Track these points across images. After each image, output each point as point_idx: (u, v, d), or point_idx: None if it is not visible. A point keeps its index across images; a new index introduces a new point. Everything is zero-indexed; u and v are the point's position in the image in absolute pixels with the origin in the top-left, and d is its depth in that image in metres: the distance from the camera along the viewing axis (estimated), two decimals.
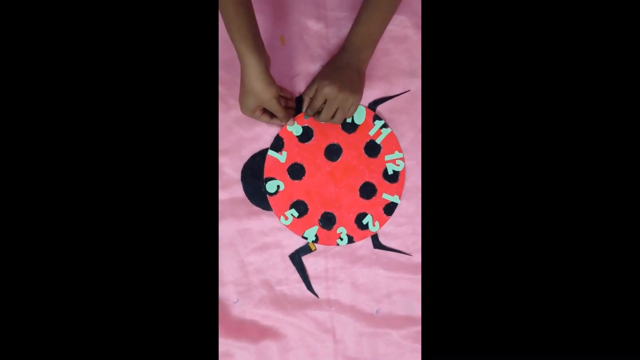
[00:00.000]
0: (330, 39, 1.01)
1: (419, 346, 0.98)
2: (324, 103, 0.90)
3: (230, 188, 0.99)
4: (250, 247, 1.00)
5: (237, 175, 1.00)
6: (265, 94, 0.85)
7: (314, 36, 1.01)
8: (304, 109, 0.93)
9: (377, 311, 1.00)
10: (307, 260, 0.99)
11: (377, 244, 1.00)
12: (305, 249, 0.98)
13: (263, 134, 0.99)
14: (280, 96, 0.91)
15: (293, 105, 0.98)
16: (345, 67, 0.90)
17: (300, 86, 1.00)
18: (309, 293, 0.99)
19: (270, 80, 0.85)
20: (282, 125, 0.97)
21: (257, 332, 0.99)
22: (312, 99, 0.91)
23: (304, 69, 1.00)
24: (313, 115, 0.93)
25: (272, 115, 0.92)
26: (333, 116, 0.91)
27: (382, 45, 0.99)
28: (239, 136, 0.99)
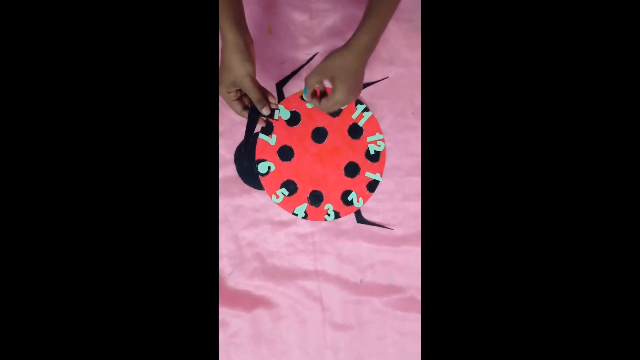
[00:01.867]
0: (314, 29, 1.06)
1: (400, 312, 1.04)
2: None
3: (224, 168, 1.05)
4: (243, 223, 1.05)
5: (230, 156, 1.05)
6: (239, 69, 0.81)
7: (299, 26, 1.06)
8: (307, 97, 0.92)
9: (360, 280, 1.05)
10: (289, 220, 1.06)
11: (360, 218, 1.05)
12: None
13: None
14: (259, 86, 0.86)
15: (270, 96, 0.90)
16: (358, 71, 0.86)
17: (286, 72, 1.06)
18: (297, 264, 1.05)
19: (248, 57, 0.82)
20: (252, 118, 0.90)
21: (250, 302, 1.05)
22: (324, 100, 0.89)
23: (289, 56, 1.06)
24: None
25: (244, 107, 0.88)
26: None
27: None
28: (231, 119, 1.04)
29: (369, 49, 0.86)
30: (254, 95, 0.85)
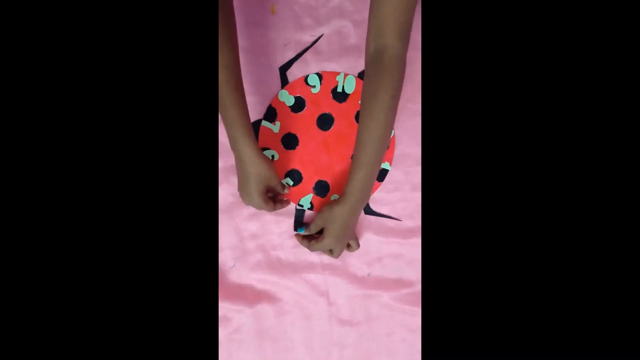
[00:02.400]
0: (319, 9, 1.02)
1: (409, 307, 1.01)
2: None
3: (225, 156, 1.01)
4: (245, 214, 1.02)
5: None
6: (258, 199, 0.90)
7: (304, 6, 1.02)
8: (299, 238, 0.99)
9: (368, 274, 1.02)
10: (294, 211, 1.03)
11: (368, 210, 1.02)
12: (299, 215, 1.02)
13: (256, 104, 1.01)
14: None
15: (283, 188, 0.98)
16: (349, 221, 0.93)
17: (289, 54, 1.02)
18: (303, 257, 1.02)
19: (266, 181, 0.90)
20: (285, 206, 1.00)
21: (253, 296, 1.02)
22: (315, 242, 0.96)
23: (293, 37, 1.02)
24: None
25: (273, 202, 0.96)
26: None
27: None
28: None
29: (363, 199, 0.92)
30: (271, 210, 0.96)
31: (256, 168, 0.86)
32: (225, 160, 1.01)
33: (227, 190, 1.02)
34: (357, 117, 1.01)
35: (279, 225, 1.02)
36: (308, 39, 1.02)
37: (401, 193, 1.02)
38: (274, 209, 0.96)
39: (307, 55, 1.02)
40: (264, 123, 1.01)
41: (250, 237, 1.02)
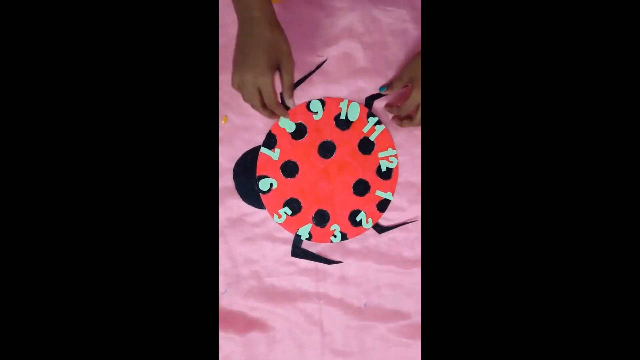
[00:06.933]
0: (329, 28, 0.99)
1: (406, 340, 0.99)
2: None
3: (222, 177, 0.99)
4: (240, 238, 0.99)
5: (229, 164, 0.99)
6: (287, 48, 0.79)
7: (313, 25, 0.99)
8: (387, 91, 0.95)
9: (365, 304, 1.00)
10: (291, 237, 1.00)
11: (379, 229, 1.00)
12: (298, 240, 0.99)
13: (256, 122, 0.98)
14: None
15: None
16: None
17: (296, 75, 0.96)
18: (298, 285, 0.99)
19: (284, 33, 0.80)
20: (273, 119, 0.93)
21: (244, 324, 0.99)
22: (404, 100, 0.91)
23: (299, 57, 0.98)
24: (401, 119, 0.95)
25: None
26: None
27: (380, 38, 0.99)
28: (232, 124, 0.98)
29: None
30: (268, 116, 0.86)
31: (273, 33, 0.77)
32: (223, 181, 0.99)
33: (221, 214, 0.99)
34: (359, 146, 0.98)
35: (274, 251, 1.00)
36: (315, 59, 0.99)
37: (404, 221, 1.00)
38: (270, 116, 0.86)
39: (313, 76, 0.99)
40: (263, 150, 0.98)
41: (244, 263, 1.00)
